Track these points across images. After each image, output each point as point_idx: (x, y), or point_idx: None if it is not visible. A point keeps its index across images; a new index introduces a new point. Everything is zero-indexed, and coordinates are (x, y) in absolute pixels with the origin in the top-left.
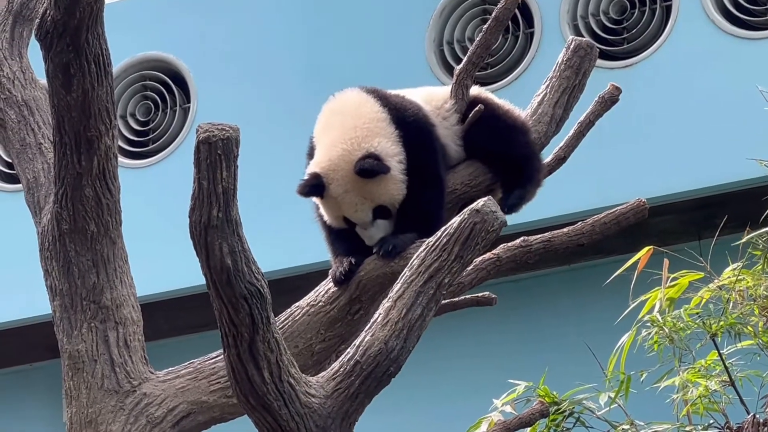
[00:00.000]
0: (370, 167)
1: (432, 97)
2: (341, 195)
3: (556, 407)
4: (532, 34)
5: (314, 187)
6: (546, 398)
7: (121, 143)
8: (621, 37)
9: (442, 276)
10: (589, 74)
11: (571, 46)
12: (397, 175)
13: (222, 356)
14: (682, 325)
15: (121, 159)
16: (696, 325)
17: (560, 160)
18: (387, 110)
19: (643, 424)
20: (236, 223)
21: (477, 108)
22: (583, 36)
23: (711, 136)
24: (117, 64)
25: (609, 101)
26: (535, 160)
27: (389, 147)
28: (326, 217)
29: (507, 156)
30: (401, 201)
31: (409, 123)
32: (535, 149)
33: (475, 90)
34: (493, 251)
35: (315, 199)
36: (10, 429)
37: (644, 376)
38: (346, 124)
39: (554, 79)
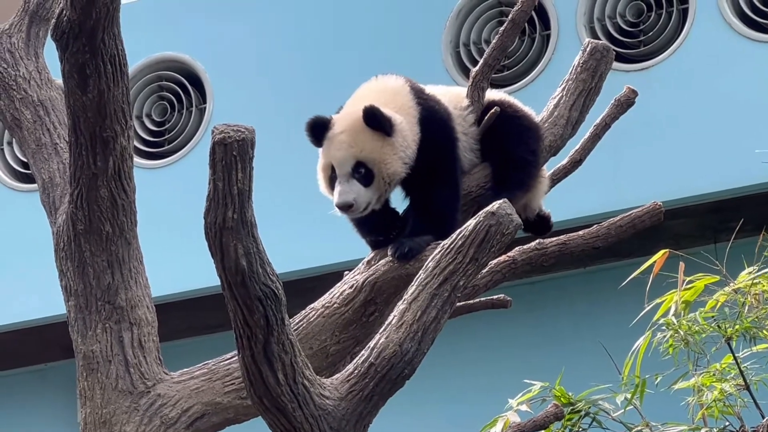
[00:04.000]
0: (377, 113)
1: (454, 97)
2: (337, 135)
3: (571, 408)
4: (548, 37)
5: (319, 123)
6: (562, 399)
7: (136, 144)
8: (637, 39)
9: (457, 278)
10: (606, 77)
11: (588, 49)
12: (398, 149)
13: (236, 357)
14: (697, 328)
15: (136, 159)
16: (711, 329)
17: (576, 162)
18: (418, 107)
19: (658, 426)
20: (251, 224)
21: (493, 110)
22: (599, 38)
23: (727, 139)
24: (133, 65)
25: (625, 104)
26: (534, 168)
27: (406, 129)
28: (318, 169)
29: (511, 156)
30: (389, 177)
31: (433, 125)
32: (540, 159)
33: (492, 92)
34: (509, 254)
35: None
36: (25, 428)
37: (659, 379)
38: (379, 100)
39: (570, 82)
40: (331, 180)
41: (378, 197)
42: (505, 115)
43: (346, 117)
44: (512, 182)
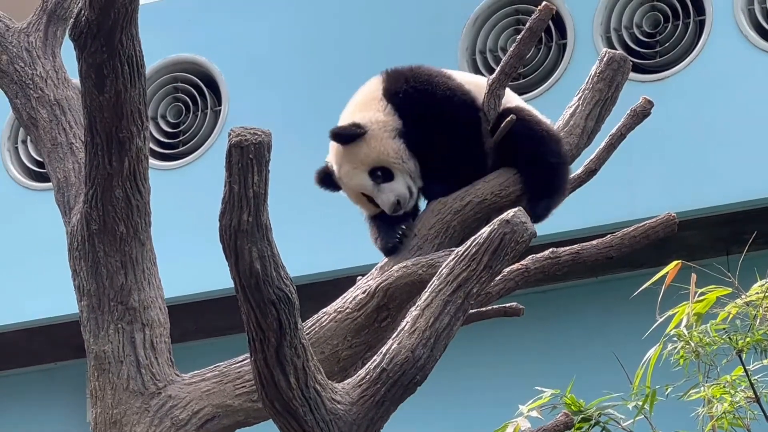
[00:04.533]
0: (338, 132)
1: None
2: (339, 170)
3: (581, 415)
4: (564, 46)
5: (322, 174)
6: (572, 406)
7: (151, 145)
8: (654, 50)
9: (471, 285)
10: (622, 87)
11: (605, 59)
12: (380, 134)
13: (248, 360)
14: (708, 340)
15: (151, 160)
16: (722, 341)
17: (591, 172)
18: (382, 88)
19: None
20: (266, 227)
21: (509, 118)
22: (615, 48)
23: (742, 151)
24: (149, 66)
25: (641, 114)
26: (564, 170)
27: (372, 112)
28: (358, 206)
29: (537, 164)
30: (396, 157)
31: (397, 86)
32: (566, 159)
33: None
34: (522, 262)
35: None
36: (35, 428)
37: (669, 389)
38: (349, 110)
39: (587, 91)
40: (370, 201)
41: (410, 177)
42: (523, 121)
43: (332, 153)
44: (549, 187)
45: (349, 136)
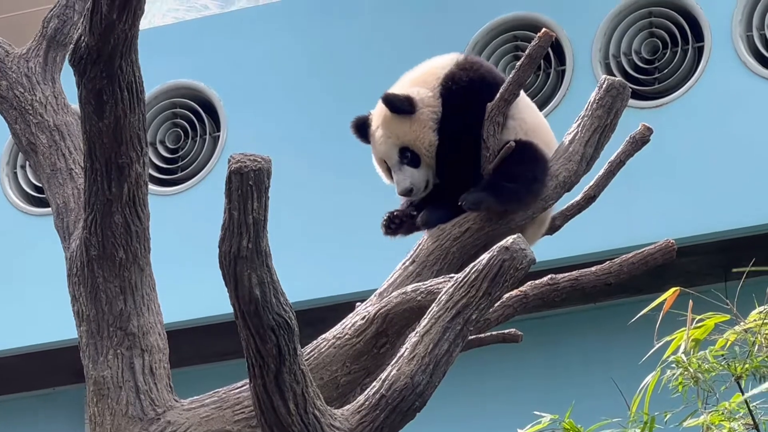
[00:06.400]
0: (391, 98)
1: None
2: (375, 131)
3: None
4: (563, 72)
5: (361, 122)
6: (571, 431)
7: (150, 170)
8: (653, 77)
9: (470, 312)
10: (621, 114)
11: (604, 85)
12: (427, 120)
13: (247, 386)
14: (707, 366)
15: (150, 186)
16: (721, 367)
17: (590, 198)
18: (444, 73)
19: None
20: (266, 254)
21: (508, 144)
22: (614, 75)
23: (740, 177)
24: (148, 92)
25: (640, 141)
26: (531, 188)
27: (428, 97)
28: (375, 164)
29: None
30: (428, 150)
31: (453, 86)
32: (540, 186)
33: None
34: (521, 288)
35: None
36: None
37: (668, 416)
38: (411, 77)
39: (586, 118)
40: (389, 170)
41: (432, 171)
42: (518, 143)
43: (377, 110)
44: (497, 186)
45: (398, 108)
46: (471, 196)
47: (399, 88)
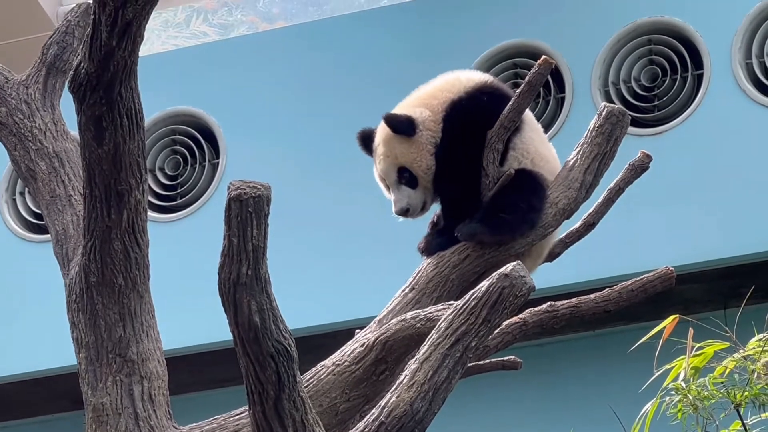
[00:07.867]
0: (392, 119)
1: None
2: (376, 147)
3: None
4: (563, 99)
5: (366, 135)
6: None
7: (149, 197)
8: (652, 104)
9: (470, 339)
10: (621, 141)
11: (604, 113)
12: (425, 144)
13: (246, 413)
14: (706, 393)
15: (149, 213)
16: (721, 395)
17: (589, 226)
18: (450, 96)
19: None
20: (265, 281)
21: (507, 172)
22: (614, 102)
23: (740, 205)
24: (147, 118)
25: (639, 168)
26: (526, 217)
27: (430, 120)
28: (376, 179)
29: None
30: (426, 173)
31: (453, 111)
32: (535, 215)
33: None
34: (520, 315)
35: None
36: None
37: None
38: (419, 95)
39: (585, 145)
40: (388, 188)
41: (429, 193)
42: (518, 171)
43: (380, 126)
44: (498, 221)
45: (397, 129)
46: (466, 227)
47: (405, 106)
